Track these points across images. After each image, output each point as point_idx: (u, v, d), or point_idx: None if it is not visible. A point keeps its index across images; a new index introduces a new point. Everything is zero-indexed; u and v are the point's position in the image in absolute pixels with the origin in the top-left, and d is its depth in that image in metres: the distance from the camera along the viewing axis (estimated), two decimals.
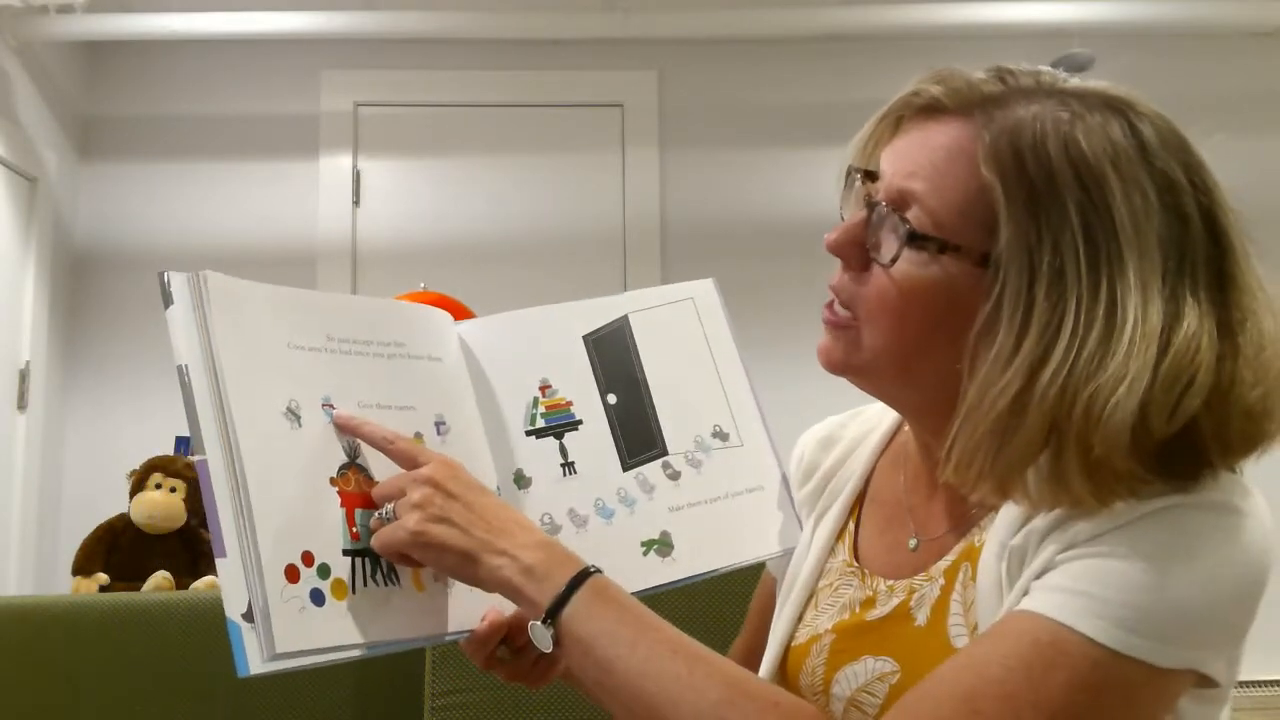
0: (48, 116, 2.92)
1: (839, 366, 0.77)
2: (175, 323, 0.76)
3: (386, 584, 0.76)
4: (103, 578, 2.29)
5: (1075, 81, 0.72)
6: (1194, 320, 0.65)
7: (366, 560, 0.76)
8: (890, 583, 0.80)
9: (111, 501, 2.51)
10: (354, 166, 3.11)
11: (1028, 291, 0.66)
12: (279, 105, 3.12)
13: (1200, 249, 0.67)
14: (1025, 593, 0.66)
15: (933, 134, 0.72)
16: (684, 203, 3.12)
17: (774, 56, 3.17)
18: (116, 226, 3.07)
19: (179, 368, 0.74)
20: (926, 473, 0.82)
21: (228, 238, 3.06)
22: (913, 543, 0.81)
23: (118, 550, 2.35)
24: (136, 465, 2.44)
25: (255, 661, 0.68)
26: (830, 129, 3.10)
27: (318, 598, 0.72)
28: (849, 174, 0.78)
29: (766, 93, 3.16)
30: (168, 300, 0.77)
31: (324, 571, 0.73)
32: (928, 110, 0.73)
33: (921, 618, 0.75)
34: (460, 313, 2.30)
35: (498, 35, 3.01)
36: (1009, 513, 0.71)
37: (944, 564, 0.76)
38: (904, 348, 0.73)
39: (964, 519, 0.78)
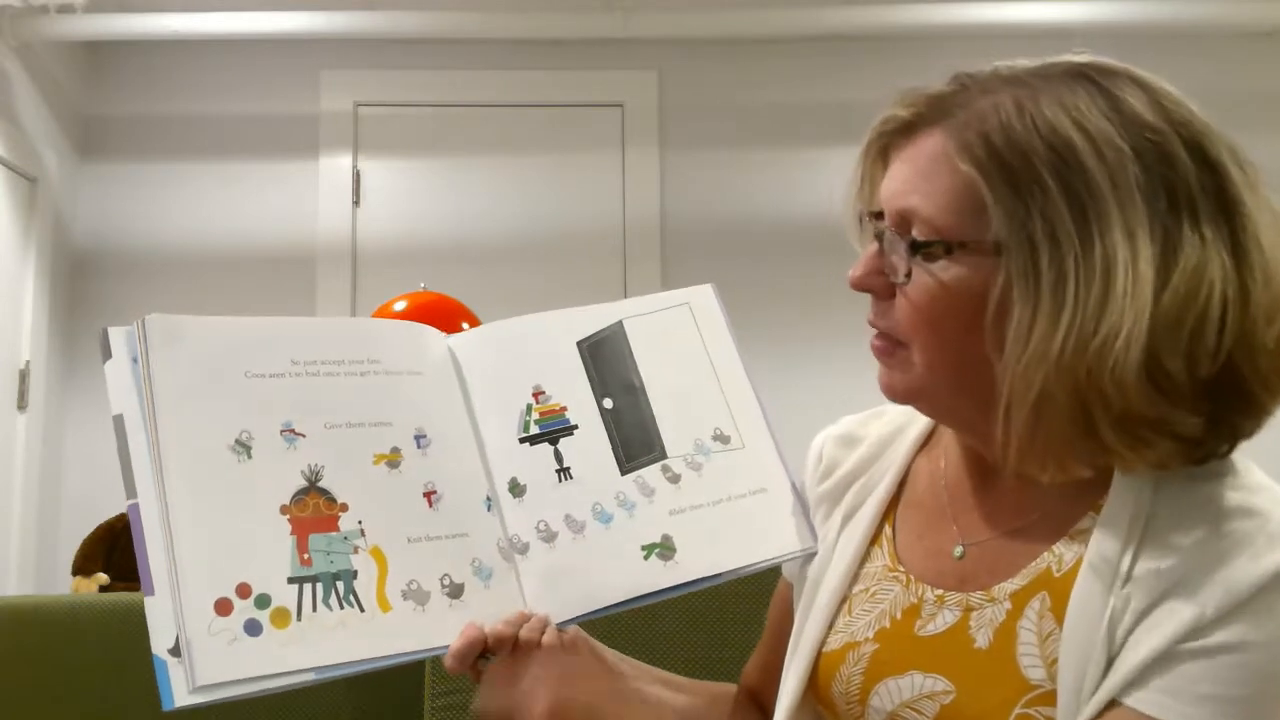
0: (48, 116, 2.92)
1: (899, 393, 0.78)
2: (111, 376, 0.78)
3: (343, 607, 0.75)
4: (103, 578, 2.29)
5: (1032, 62, 0.74)
6: (1195, 254, 0.66)
7: (317, 585, 0.75)
8: (938, 592, 0.79)
9: (111, 501, 2.51)
10: (354, 166, 3.11)
11: (1032, 265, 0.68)
12: (279, 105, 3.12)
13: (1194, 181, 0.68)
14: (1136, 678, 0.66)
15: (913, 152, 0.75)
16: (684, 203, 3.12)
17: (774, 56, 3.16)
18: (116, 226, 3.07)
19: (114, 419, 0.76)
20: (970, 477, 0.82)
21: (228, 238, 3.06)
22: (958, 550, 0.80)
23: (118, 550, 2.35)
24: None
25: (180, 694, 0.69)
26: (830, 129, 3.10)
27: (253, 628, 0.72)
28: (860, 221, 0.80)
29: (766, 93, 3.16)
30: (105, 355, 0.79)
31: (263, 602, 0.73)
32: (905, 132, 0.76)
33: (983, 640, 0.74)
34: (460, 314, 2.30)
35: (498, 35, 3.01)
36: (1099, 547, 0.70)
37: (1010, 586, 0.75)
38: (949, 357, 0.74)
39: (1015, 530, 0.77)
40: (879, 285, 0.77)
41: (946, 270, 0.72)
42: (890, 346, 0.77)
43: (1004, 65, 0.74)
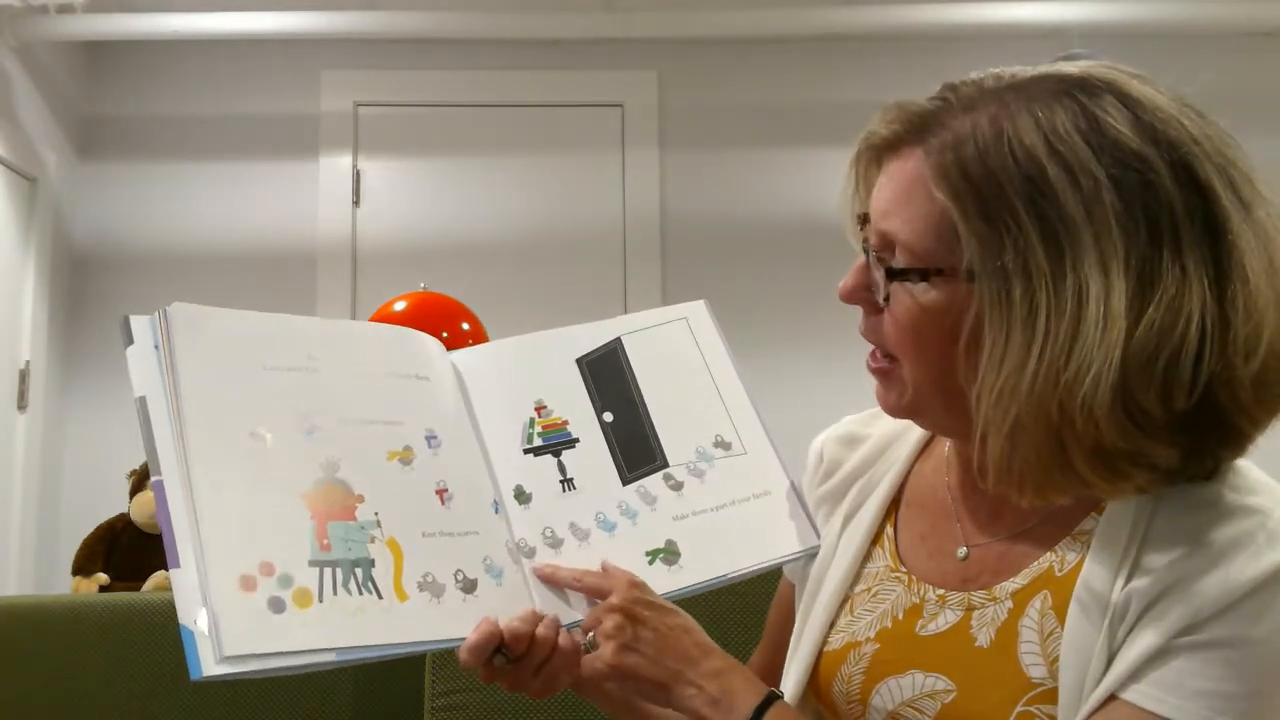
0: (48, 116, 2.92)
1: (895, 410, 0.79)
2: (133, 360, 0.79)
3: (361, 593, 0.76)
4: (103, 578, 2.29)
5: (1025, 72, 0.72)
6: (1173, 286, 0.64)
7: (337, 570, 0.76)
8: (940, 591, 0.79)
9: (111, 501, 2.51)
10: (354, 166, 3.11)
11: (1005, 295, 0.67)
12: (279, 105, 3.12)
13: (1179, 208, 0.66)
14: (1133, 673, 0.67)
15: (896, 169, 0.74)
16: (684, 203, 3.12)
17: (774, 56, 3.16)
18: (116, 226, 3.07)
19: (137, 400, 0.77)
20: (973, 480, 0.82)
21: (228, 238, 3.06)
22: (962, 551, 0.80)
23: (118, 550, 2.36)
24: (136, 465, 2.44)
25: (208, 663, 0.69)
26: (830, 129, 3.10)
27: (277, 605, 0.73)
28: (859, 224, 0.80)
29: (766, 93, 3.16)
30: (127, 340, 0.80)
31: (285, 581, 0.74)
32: (891, 146, 0.75)
33: (984, 639, 0.75)
34: (460, 314, 2.30)
35: (498, 35, 3.01)
36: (1101, 547, 0.71)
37: (1012, 586, 0.75)
38: (935, 375, 0.74)
39: (1020, 530, 0.77)
40: (865, 300, 0.77)
41: (926, 294, 0.72)
42: (886, 367, 0.78)
43: (992, 75, 0.73)
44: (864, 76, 3.08)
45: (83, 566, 2.33)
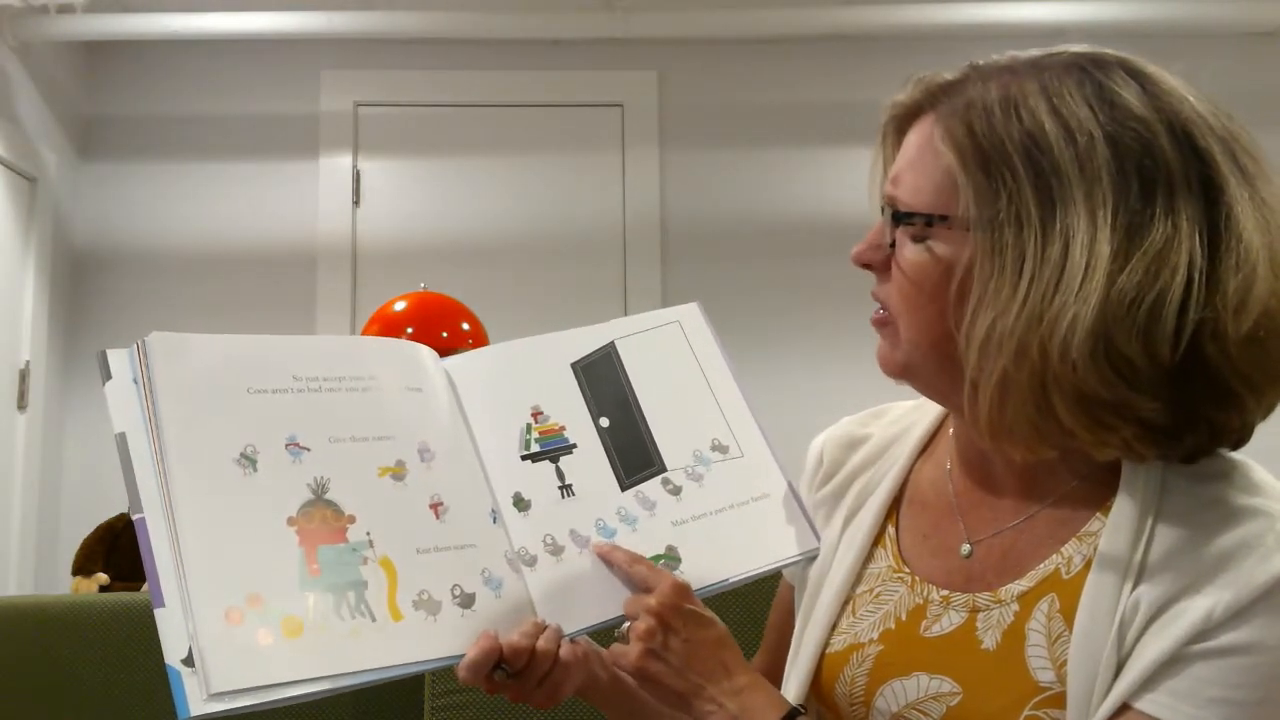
0: (48, 116, 2.92)
1: (892, 365, 0.80)
2: (111, 396, 0.79)
3: (354, 617, 0.75)
4: (103, 578, 2.29)
5: (1039, 51, 0.75)
6: (1161, 239, 0.66)
7: (328, 595, 0.75)
8: (944, 592, 0.79)
9: (111, 501, 2.51)
10: (354, 166, 3.11)
11: (997, 243, 0.69)
12: (279, 105, 3.12)
13: (1176, 169, 0.67)
14: (1146, 681, 0.67)
15: (913, 135, 0.77)
16: (684, 203, 3.12)
17: (774, 56, 3.16)
18: (116, 226, 3.07)
19: (116, 436, 0.76)
20: (974, 476, 0.82)
21: (228, 238, 3.06)
22: (965, 549, 0.80)
23: (118, 550, 2.35)
24: None
25: (196, 703, 0.68)
26: (830, 129, 3.10)
27: (265, 637, 0.72)
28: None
29: (766, 93, 3.16)
30: (105, 375, 0.80)
31: (273, 611, 0.73)
32: (910, 117, 0.78)
33: (990, 641, 0.75)
34: (461, 314, 2.30)
35: (498, 35, 3.01)
36: (1108, 549, 0.71)
37: (1018, 588, 0.75)
38: (932, 330, 0.75)
39: (1023, 525, 0.77)
40: (877, 259, 0.79)
41: (933, 248, 0.73)
42: (886, 318, 0.79)
43: (1011, 55, 0.75)
44: (864, 76, 3.07)
45: (83, 566, 2.33)
